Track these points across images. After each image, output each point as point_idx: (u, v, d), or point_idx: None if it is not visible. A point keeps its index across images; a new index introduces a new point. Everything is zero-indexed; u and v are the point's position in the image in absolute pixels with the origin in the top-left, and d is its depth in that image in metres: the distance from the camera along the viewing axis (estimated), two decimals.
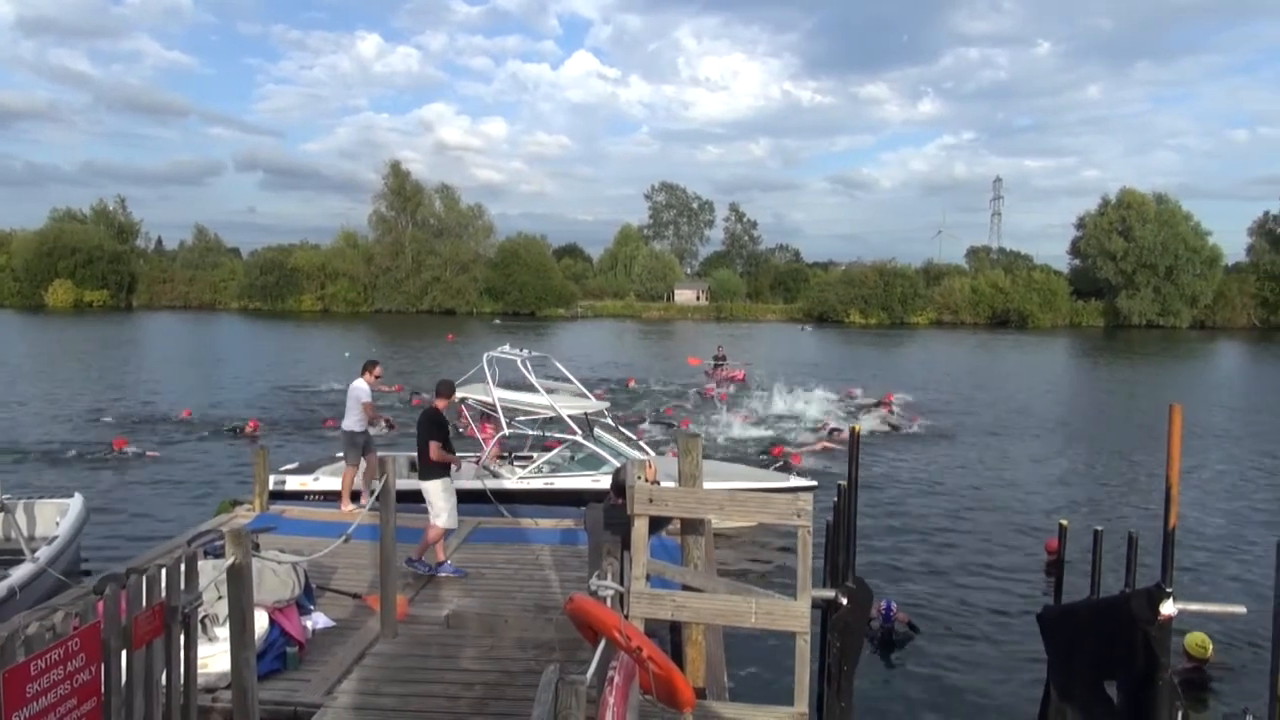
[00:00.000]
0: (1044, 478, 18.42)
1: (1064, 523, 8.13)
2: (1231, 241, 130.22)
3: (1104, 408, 29.43)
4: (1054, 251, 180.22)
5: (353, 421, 11.30)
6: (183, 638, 4.23)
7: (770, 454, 18.67)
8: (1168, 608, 5.69)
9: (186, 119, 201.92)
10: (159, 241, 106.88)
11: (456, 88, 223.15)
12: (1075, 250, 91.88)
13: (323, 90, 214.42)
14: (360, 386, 11.33)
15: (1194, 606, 6.43)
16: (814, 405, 26.48)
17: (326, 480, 12.29)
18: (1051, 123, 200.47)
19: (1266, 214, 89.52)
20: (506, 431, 12.91)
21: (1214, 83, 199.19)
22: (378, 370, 11.71)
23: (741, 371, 35.95)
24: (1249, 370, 49.00)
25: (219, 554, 6.95)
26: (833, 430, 21.61)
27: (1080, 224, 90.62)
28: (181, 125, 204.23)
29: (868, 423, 22.69)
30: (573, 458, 13.22)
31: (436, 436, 9.12)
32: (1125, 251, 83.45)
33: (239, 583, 4.58)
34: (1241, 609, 6.48)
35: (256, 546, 7.75)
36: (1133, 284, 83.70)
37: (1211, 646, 8.75)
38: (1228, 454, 21.12)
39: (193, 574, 4.28)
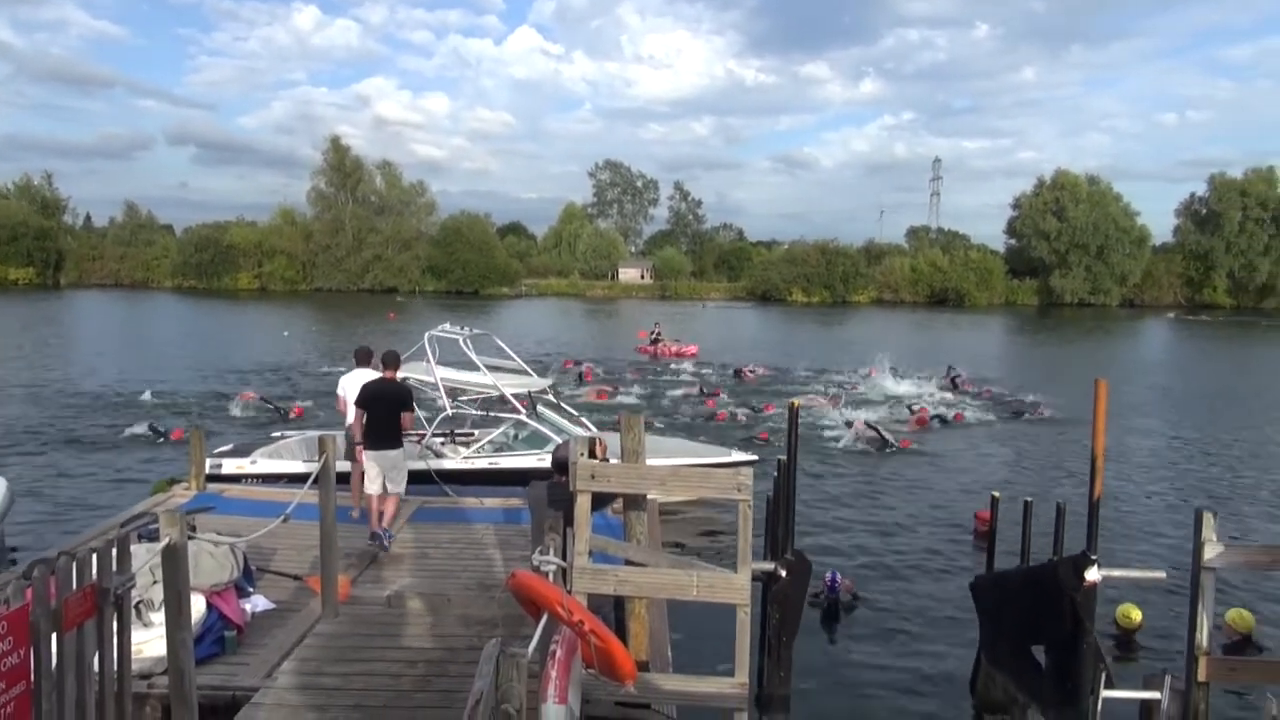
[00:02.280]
0: (977, 450, 18.86)
1: (996, 494, 8.39)
2: (1159, 222, 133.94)
3: (1035, 383, 30.13)
4: (991, 231, 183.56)
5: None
6: (115, 620, 4.16)
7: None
8: (1092, 574, 5.91)
9: (113, 90, 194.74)
10: (88, 218, 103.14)
11: (397, 62, 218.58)
12: (1011, 230, 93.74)
13: (258, 63, 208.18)
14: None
15: (1117, 573, 6.69)
16: (908, 386, 27.08)
17: (265, 463, 12.10)
18: (988, 105, 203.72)
19: (1193, 195, 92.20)
20: (449, 411, 12.84)
21: (1144, 66, 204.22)
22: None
23: (693, 347, 36.16)
24: (1174, 347, 50.71)
25: (154, 538, 6.82)
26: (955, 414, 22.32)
27: (1016, 204, 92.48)
28: (108, 97, 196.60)
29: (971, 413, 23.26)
30: (517, 436, 13.19)
31: (410, 407, 9.48)
32: (1059, 231, 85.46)
33: (174, 562, 4.51)
34: (1161, 574, 6.76)
35: (193, 529, 7.61)
36: (1065, 263, 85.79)
37: (1140, 617, 9.09)
38: (1151, 427, 21.84)
39: (125, 555, 4.20)
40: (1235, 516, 13.89)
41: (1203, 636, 5.95)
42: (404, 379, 12.85)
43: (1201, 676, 5.92)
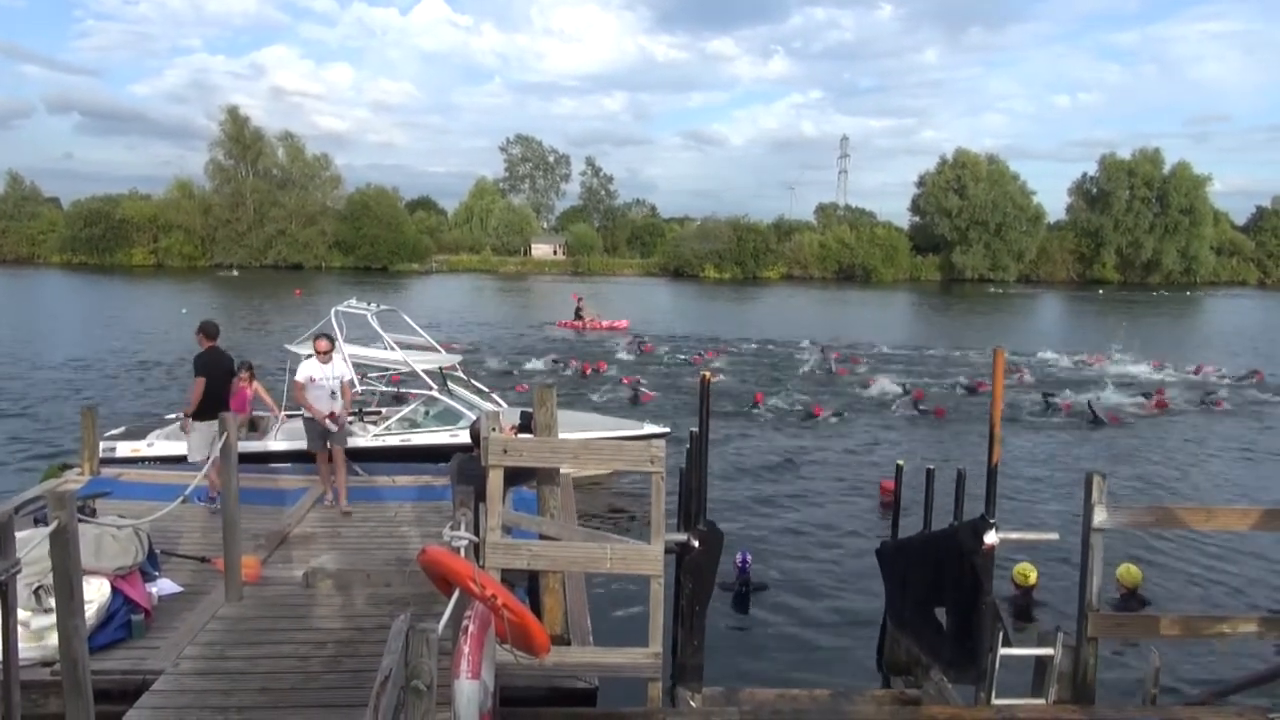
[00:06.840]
0: (885, 422, 19.36)
1: (900, 463, 8.61)
2: (1053, 201, 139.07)
3: (938, 354, 31.08)
4: (896, 208, 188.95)
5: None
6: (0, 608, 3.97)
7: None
8: (991, 537, 6.11)
9: None
10: None
11: (298, 31, 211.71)
12: (915, 207, 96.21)
13: (150, 28, 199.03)
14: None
15: (1014, 535, 6.92)
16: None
17: (162, 445, 11.62)
18: (893, 84, 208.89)
19: (1084, 175, 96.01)
20: (359, 389, 12.55)
21: (1039, 49, 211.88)
22: None
23: (624, 321, 36.10)
24: (1066, 320, 52.92)
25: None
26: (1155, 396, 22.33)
27: (920, 182, 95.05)
28: None
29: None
30: (428, 413, 13.00)
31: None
32: (960, 209, 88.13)
33: (63, 546, 4.31)
34: (1054, 535, 7.03)
35: (93, 512, 7.31)
36: (966, 240, 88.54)
37: (1035, 575, 9.51)
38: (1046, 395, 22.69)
39: (8, 540, 4.00)
40: (1126, 479, 14.59)
41: (1092, 594, 6.24)
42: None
43: (1091, 632, 6.22)
